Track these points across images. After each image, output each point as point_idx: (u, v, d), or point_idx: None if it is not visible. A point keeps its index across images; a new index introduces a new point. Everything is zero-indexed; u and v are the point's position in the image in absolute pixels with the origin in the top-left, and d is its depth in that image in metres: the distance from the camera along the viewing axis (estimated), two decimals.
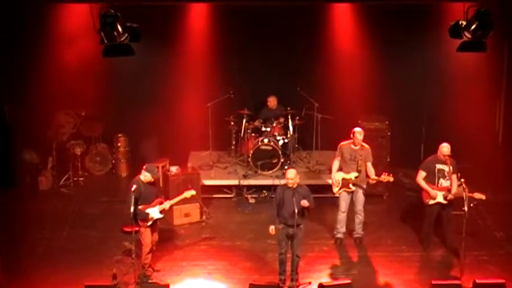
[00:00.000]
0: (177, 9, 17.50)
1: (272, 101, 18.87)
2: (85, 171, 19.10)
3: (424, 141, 19.24)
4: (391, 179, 14.78)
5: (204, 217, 16.68)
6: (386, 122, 18.57)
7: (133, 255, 13.34)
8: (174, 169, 16.80)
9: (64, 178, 18.61)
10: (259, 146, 18.00)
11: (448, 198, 14.00)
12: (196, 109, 18.73)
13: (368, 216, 15.54)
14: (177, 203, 14.48)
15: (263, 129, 18.44)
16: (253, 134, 18.50)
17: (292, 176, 13.20)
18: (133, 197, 13.15)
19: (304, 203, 13.04)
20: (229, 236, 15.90)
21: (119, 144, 19.28)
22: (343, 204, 15.26)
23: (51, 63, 17.36)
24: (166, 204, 13.86)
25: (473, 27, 12.40)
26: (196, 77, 18.62)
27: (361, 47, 18.23)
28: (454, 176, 14.05)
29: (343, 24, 18.07)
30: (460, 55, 13.12)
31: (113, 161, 19.39)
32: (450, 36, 12.82)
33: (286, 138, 18.45)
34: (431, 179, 14.17)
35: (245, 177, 17.96)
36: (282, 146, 18.21)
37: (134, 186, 13.27)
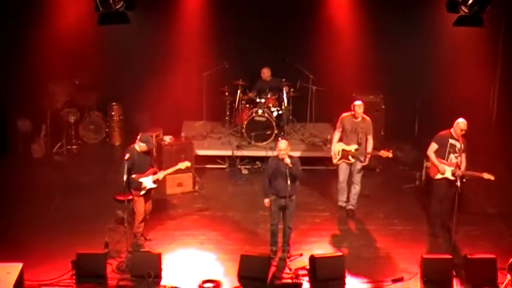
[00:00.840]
0: None
1: (266, 72, 18.80)
2: (78, 140, 19.07)
3: (419, 115, 19.27)
4: (390, 155, 14.92)
5: (197, 187, 16.71)
6: (381, 96, 18.54)
7: (126, 224, 13.36)
8: (167, 138, 16.80)
9: (57, 146, 18.58)
10: (254, 117, 17.98)
11: (456, 174, 13.66)
12: (190, 79, 18.75)
13: (361, 189, 15.54)
14: (170, 173, 14.48)
15: (257, 100, 18.40)
16: (247, 105, 18.47)
17: (284, 146, 13.16)
18: (126, 166, 13.15)
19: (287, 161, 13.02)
20: (221, 206, 15.92)
21: (113, 113, 19.23)
22: (342, 175, 15.36)
23: (45, 31, 17.27)
24: (160, 174, 13.85)
25: (470, 1, 12.38)
26: (191, 46, 18.55)
27: (358, 20, 18.18)
28: (463, 155, 13.86)
29: None
30: (457, 30, 13.10)
31: (107, 130, 19.36)
32: (447, 10, 12.80)
33: (281, 109, 18.44)
34: (441, 153, 13.89)
35: (239, 148, 17.96)
36: (276, 117, 18.19)
37: (127, 155, 13.25)
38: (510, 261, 11.42)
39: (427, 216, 15.03)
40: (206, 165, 17.76)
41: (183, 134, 17.83)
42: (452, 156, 13.78)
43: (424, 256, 13.01)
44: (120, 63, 18.63)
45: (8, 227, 14.17)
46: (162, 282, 12.66)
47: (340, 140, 15.19)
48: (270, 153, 16.76)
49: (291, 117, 19.17)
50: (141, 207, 13.69)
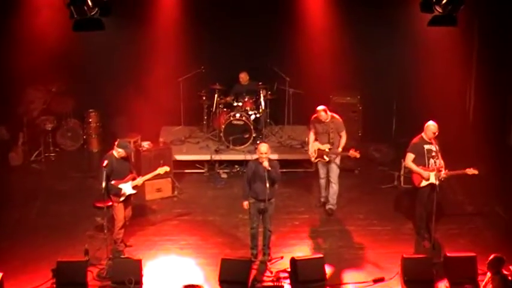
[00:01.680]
0: None
1: (244, 77, 18.86)
2: (56, 147, 19.00)
3: (396, 116, 19.35)
4: (358, 155, 15.00)
5: (176, 192, 16.70)
6: (358, 97, 18.64)
7: (106, 231, 13.36)
8: (145, 144, 16.79)
9: (35, 154, 18.51)
10: (231, 120, 17.97)
11: (440, 177, 13.70)
12: (167, 84, 18.71)
13: (340, 190, 15.60)
14: (149, 179, 14.46)
15: (235, 104, 18.41)
16: (225, 109, 18.47)
17: (264, 150, 13.21)
18: (104, 173, 13.15)
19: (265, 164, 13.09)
20: (201, 211, 15.91)
21: (90, 120, 19.17)
22: (321, 171, 15.61)
23: (20, 38, 17.21)
24: (139, 180, 13.86)
25: (444, 1, 12.42)
26: (167, 51, 18.53)
27: (333, 23, 18.22)
28: (439, 155, 13.88)
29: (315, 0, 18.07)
30: (431, 30, 13.15)
31: (84, 137, 19.30)
32: (421, 10, 12.85)
33: (258, 113, 18.45)
34: (421, 161, 13.77)
35: (217, 152, 17.94)
36: (254, 120, 18.19)
37: (106, 162, 13.27)
38: (490, 258, 11.48)
39: (406, 216, 15.13)
40: (185, 170, 17.74)
41: (161, 140, 17.79)
42: (432, 161, 13.74)
43: (405, 256, 13.01)
44: (96, 69, 18.59)
45: None
46: None
47: (316, 139, 15.38)
48: (248, 157, 16.80)
49: (268, 120, 19.17)
50: (120, 213, 13.66)
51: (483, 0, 15.95)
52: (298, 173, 17.69)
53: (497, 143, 17.87)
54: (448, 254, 13.10)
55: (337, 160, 15.41)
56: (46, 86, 18.61)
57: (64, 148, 19.17)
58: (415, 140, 13.94)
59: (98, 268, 13.15)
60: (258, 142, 17.32)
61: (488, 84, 18.19)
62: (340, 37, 18.23)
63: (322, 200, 15.92)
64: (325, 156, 15.20)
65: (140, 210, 15.56)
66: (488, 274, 11.50)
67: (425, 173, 13.70)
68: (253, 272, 13.10)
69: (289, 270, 13.12)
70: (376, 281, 12.98)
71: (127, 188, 13.62)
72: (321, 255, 13.20)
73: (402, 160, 15.36)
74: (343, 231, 15.02)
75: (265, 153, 13.18)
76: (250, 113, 18.25)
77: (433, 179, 13.65)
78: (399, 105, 19.19)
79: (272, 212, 13.51)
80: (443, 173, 13.68)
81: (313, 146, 15.39)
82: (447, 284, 12.26)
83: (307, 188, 16.89)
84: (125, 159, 13.71)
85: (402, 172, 16.61)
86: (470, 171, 13.66)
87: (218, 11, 18.16)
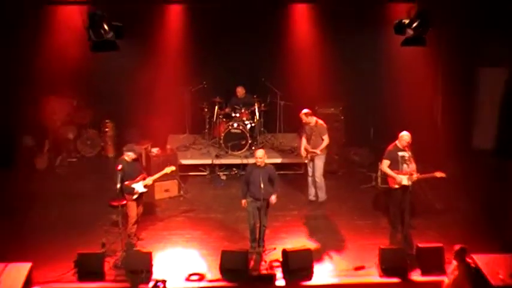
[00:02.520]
0: (156, 10, 17.42)
1: (240, 91, 18.87)
2: (77, 153, 19.00)
3: (373, 124, 19.35)
4: (319, 152, 15.45)
5: (181, 192, 16.70)
6: (341, 108, 18.62)
7: (120, 226, 13.38)
8: (155, 150, 16.84)
9: (58, 159, 18.53)
10: (230, 129, 17.99)
11: (412, 180, 13.66)
12: (174, 98, 18.71)
13: (325, 189, 15.66)
14: (158, 179, 14.49)
15: (233, 114, 18.41)
16: (224, 119, 18.47)
17: (261, 155, 13.36)
18: (119, 175, 13.20)
19: (272, 200, 13.43)
20: (204, 208, 15.94)
21: (107, 129, 19.16)
22: (309, 170, 15.90)
23: (45, 59, 17.15)
24: (149, 180, 13.91)
25: (414, 24, 12.48)
26: (173, 69, 18.49)
27: (318, 43, 18.20)
28: (412, 159, 13.78)
29: (302, 22, 18.03)
30: (404, 49, 13.17)
31: (102, 144, 19.26)
32: (395, 32, 12.88)
33: (253, 122, 18.46)
34: (395, 166, 13.75)
35: (217, 157, 17.95)
36: (249, 129, 18.20)
37: (120, 166, 13.33)
38: (455, 249, 11.54)
39: (383, 213, 15.11)
40: (189, 173, 17.73)
41: (168, 146, 17.78)
42: (405, 165, 13.72)
43: (382, 247, 13.10)
44: (111, 85, 18.52)
45: (17, 232, 14.12)
46: (153, 276, 12.68)
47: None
48: (245, 161, 16.84)
49: (262, 128, 19.17)
50: (133, 210, 13.71)
51: (448, 23, 15.95)
52: (288, 175, 17.67)
53: (461, 147, 17.86)
54: (419, 245, 13.17)
55: (321, 159, 15.61)
56: (68, 100, 18.64)
57: (84, 154, 19.15)
58: (390, 147, 13.94)
59: (113, 259, 13.21)
60: (253, 148, 17.37)
61: (454, 94, 18.21)
62: (324, 56, 18.21)
63: (310, 197, 16.02)
64: (308, 155, 15.69)
65: (150, 208, 15.59)
66: (454, 262, 11.55)
67: (398, 177, 13.68)
68: (250, 262, 13.15)
69: (281, 260, 13.19)
70: (357, 268, 13.03)
71: (139, 187, 13.68)
72: (309, 247, 13.28)
73: (379, 163, 15.38)
74: (328, 225, 15.05)
75: (261, 158, 13.31)
76: (246, 122, 18.26)
77: (405, 182, 13.66)
78: (376, 115, 19.15)
79: (267, 210, 13.55)
80: (415, 176, 13.67)
81: (304, 147, 15.75)
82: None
83: (297, 188, 16.90)
84: (136, 160, 13.80)
85: (379, 174, 16.65)
86: (439, 174, 13.65)
87: (218, 34, 18.13)
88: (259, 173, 13.26)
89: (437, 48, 17.83)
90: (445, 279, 11.80)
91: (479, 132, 18.31)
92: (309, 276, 12.84)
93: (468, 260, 11.64)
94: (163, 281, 12.19)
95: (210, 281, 12.75)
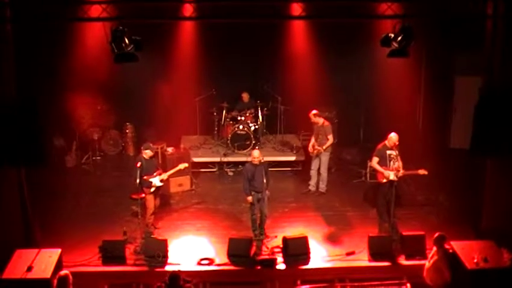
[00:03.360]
0: (171, 26, 17.35)
1: (245, 96, 18.88)
2: (101, 152, 19.00)
3: (363, 126, 19.37)
4: (322, 150, 15.61)
5: (193, 186, 16.70)
6: (334, 112, 18.63)
7: (139, 216, 13.40)
8: (170, 149, 16.89)
9: (85, 157, 18.54)
10: (236, 131, 17.99)
11: (398, 176, 13.64)
12: (186, 103, 18.70)
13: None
14: (172, 175, 14.52)
15: (238, 118, 18.39)
16: (231, 122, 18.45)
17: (257, 155, 13.54)
18: (138, 171, 13.24)
19: (267, 193, 13.52)
20: (213, 201, 15.95)
21: (127, 131, 19.17)
22: (313, 164, 16.02)
23: (73, 70, 17.10)
24: (165, 175, 13.96)
25: (399, 38, 12.45)
26: (186, 77, 18.45)
27: (314, 54, 18.08)
28: (398, 157, 13.78)
29: (299, 37, 17.97)
30: (389, 60, 13.16)
31: (123, 144, 19.27)
32: (381, 45, 12.85)
33: (257, 124, 18.45)
34: (383, 162, 13.74)
35: (225, 155, 17.95)
36: (253, 131, 18.17)
37: (139, 163, 13.36)
38: (435, 236, 11.57)
39: (371, 205, 15.05)
40: (200, 169, 17.73)
41: (182, 146, 17.81)
42: (392, 163, 13.72)
43: (370, 235, 13.14)
44: (132, 92, 18.56)
45: (49, 221, 14.08)
46: (169, 261, 12.72)
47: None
48: (250, 159, 16.81)
49: (264, 130, 19.17)
50: (151, 202, 13.74)
51: (428, 35, 15.91)
52: (287, 171, 17.69)
53: (440, 146, 17.99)
54: (403, 233, 13.19)
55: (326, 155, 15.77)
56: (93, 105, 18.63)
57: (107, 153, 19.16)
58: (380, 146, 13.96)
59: (134, 245, 13.25)
60: (256, 147, 17.34)
61: (433, 99, 18.29)
62: (320, 65, 18.12)
63: (309, 187, 16.10)
64: (315, 152, 15.84)
65: (166, 201, 15.61)
66: (434, 248, 11.60)
67: (386, 172, 13.68)
68: (254, 248, 13.16)
69: (281, 246, 13.22)
70: (348, 254, 13.04)
71: (156, 181, 13.72)
72: (306, 235, 13.29)
73: (368, 161, 15.40)
74: (323, 216, 15.02)
75: (257, 157, 13.47)
76: (250, 125, 18.24)
77: (392, 177, 13.65)
78: (366, 118, 19.19)
79: (267, 201, 13.57)
80: (401, 173, 13.67)
81: (312, 143, 15.92)
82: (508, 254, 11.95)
83: (295, 183, 16.95)
84: (152, 157, 13.82)
85: (368, 170, 16.65)
86: (422, 171, 13.66)
87: (225, 47, 18.07)
88: (258, 170, 13.44)
89: (419, 59, 17.87)
90: (426, 263, 11.81)
91: (455, 133, 18.37)
92: (306, 260, 12.87)
93: (446, 246, 11.68)
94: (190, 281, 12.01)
95: (218, 265, 12.77)
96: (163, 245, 12.91)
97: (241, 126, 18.03)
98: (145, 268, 12.63)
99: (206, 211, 15.38)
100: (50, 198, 15.40)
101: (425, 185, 15.91)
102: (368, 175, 16.79)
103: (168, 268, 12.38)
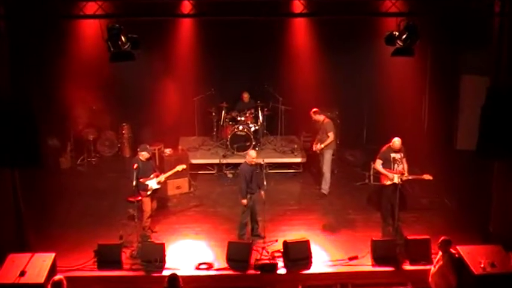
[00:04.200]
0: (169, 23, 17.37)
1: (245, 96, 18.89)
2: (97, 153, 18.98)
3: (366, 127, 19.37)
4: (321, 147, 15.76)
5: (192, 189, 16.70)
6: (337, 113, 18.60)
7: (136, 220, 13.40)
8: (167, 151, 16.85)
9: (80, 159, 18.52)
10: (235, 132, 17.99)
11: (402, 179, 13.67)
12: (185, 103, 18.70)
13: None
14: (170, 177, 14.53)
15: (238, 118, 18.39)
16: (230, 123, 18.44)
17: (254, 155, 13.68)
18: (135, 173, 13.22)
19: (262, 194, 13.63)
20: (212, 204, 15.95)
21: (123, 131, 19.15)
22: (321, 161, 16.09)
23: (68, 70, 17.14)
24: (162, 177, 13.94)
25: (404, 36, 12.41)
26: (184, 77, 18.49)
27: (316, 53, 18.11)
28: (404, 160, 13.85)
29: (301, 35, 17.99)
30: (394, 59, 13.15)
31: (119, 145, 19.26)
32: (386, 44, 12.82)
33: (257, 125, 18.44)
34: (387, 165, 13.76)
35: (224, 157, 17.93)
36: (253, 132, 18.16)
37: (136, 165, 13.35)
38: (440, 240, 11.55)
39: (375, 207, 15.07)
40: (199, 171, 17.71)
41: (179, 147, 17.77)
42: (396, 165, 13.72)
43: (374, 239, 13.12)
44: (128, 91, 18.55)
45: (42, 225, 14.10)
46: (166, 265, 12.70)
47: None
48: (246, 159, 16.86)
49: (265, 131, 19.16)
50: (148, 205, 13.73)
51: (434, 34, 15.92)
52: (288, 173, 17.69)
53: (445, 148, 17.98)
54: (408, 237, 13.17)
55: (329, 153, 15.83)
56: (88, 105, 18.62)
57: (103, 154, 19.14)
58: (384, 148, 13.97)
59: (130, 250, 13.23)
60: (257, 149, 17.30)
61: (439, 100, 18.28)
62: (322, 64, 18.14)
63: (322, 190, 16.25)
64: (318, 150, 15.99)
65: (164, 204, 15.62)
66: (439, 253, 11.57)
67: (390, 175, 13.69)
68: (254, 252, 13.15)
69: (282, 251, 13.20)
70: (351, 258, 13.03)
71: (153, 183, 13.70)
72: (307, 239, 13.28)
73: (372, 163, 15.38)
74: (324, 219, 15.02)
75: (255, 158, 13.64)
76: (250, 125, 18.24)
77: (396, 180, 13.66)
78: (369, 118, 19.19)
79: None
80: (405, 176, 13.69)
81: (315, 141, 16.08)
82: None
83: (296, 185, 16.96)
84: (149, 159, 13.81)
85: (371, 172, 16.64)
86: (427, 176, 13.67)
87: (224, 46, 18.08)
88: (253, 171, 13.65)
89: (424, 58, 17.85)
90: (432, 268, 11.79)
91: (462, 134, 18.35)
92: (308, 265, 12.87)
93: (452, 250, 11.65)
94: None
95: (218, 269, 12.76)
96: (160, 249, 12.88)
97: (241, 127, 18.04)
98: (142, 273, 12.61)
99: (205, 214, 15.37)
100: (44, 201, 15.37)
101: (431, 188, 15.86)
102: (371, 177, 16.78)
103: (165, 273, 12.36)
